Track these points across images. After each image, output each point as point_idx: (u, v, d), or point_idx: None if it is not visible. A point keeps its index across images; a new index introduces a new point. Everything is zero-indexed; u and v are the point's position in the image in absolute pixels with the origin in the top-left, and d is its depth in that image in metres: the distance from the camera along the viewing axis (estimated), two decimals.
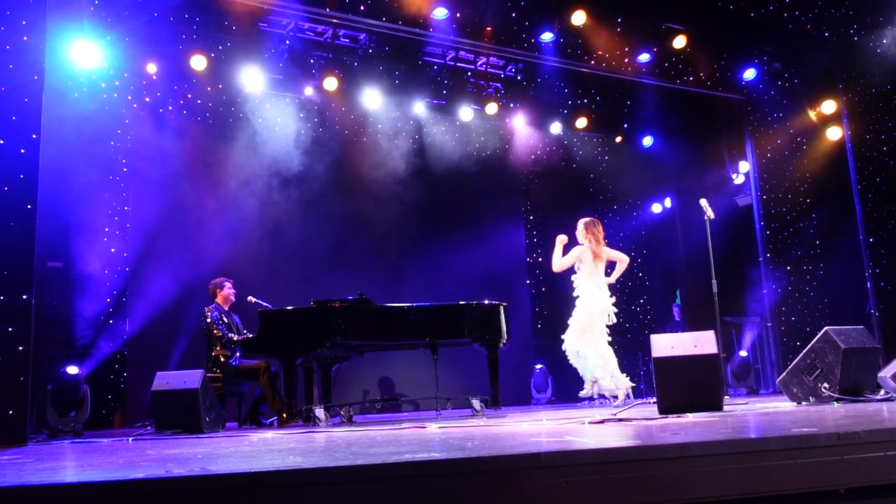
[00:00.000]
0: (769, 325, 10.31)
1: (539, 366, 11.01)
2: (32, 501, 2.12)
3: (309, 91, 9.74)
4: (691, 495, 2.41)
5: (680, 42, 9.41)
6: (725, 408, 5.05)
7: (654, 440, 2.70)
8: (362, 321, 6.60)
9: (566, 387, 11.18)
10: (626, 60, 9.47)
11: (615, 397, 6.92)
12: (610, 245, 11.90)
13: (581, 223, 7.29)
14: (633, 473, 2.37)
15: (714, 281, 6.70)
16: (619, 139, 11.87)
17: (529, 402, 10.85)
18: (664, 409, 4.83)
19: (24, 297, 5.22)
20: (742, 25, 9.28)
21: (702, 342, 4.93)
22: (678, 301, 11.77)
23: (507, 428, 4.30)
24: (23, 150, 5.35)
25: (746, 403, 6.41)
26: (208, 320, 7.02)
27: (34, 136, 5.42)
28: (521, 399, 10.76)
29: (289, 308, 6.64)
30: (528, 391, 10.96)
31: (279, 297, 7.64)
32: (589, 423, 4.05)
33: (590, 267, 7.15)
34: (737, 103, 10.64)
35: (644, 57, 9.53)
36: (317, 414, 6.24)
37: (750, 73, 10.11)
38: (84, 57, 8.11)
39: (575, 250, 7.22)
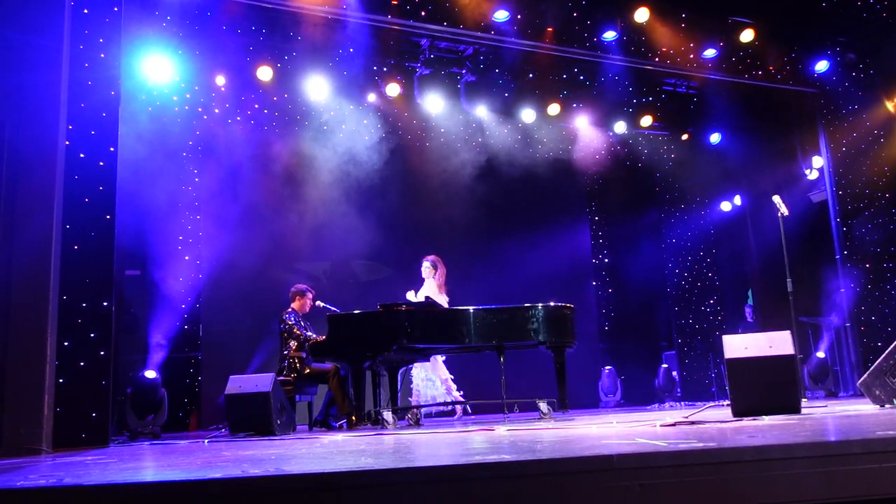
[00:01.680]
0: (847, 325, 9.93)
1: (608, 368, 10.87)
2: (118, 499, 2.20)
3: (372, 98, 9.86)
4: (770, 500, 2.34)
5: (747, 36, 9.18)
6: (803, 410, 4.89)
7: (730, 443, 2.64)
8: (428, 324, 6.64)
9: (635, 390, 11.02)
10: (692, 56, 9.29)
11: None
12: (678, 245, 11.80)
13: (428, 261, 8.00)
14: (709, 477, 2.31)
15: (789, 280, 6.50)
16: (685, 137, 11.63)
17: (597, 405, 10.72)
18: (738, 412, 4.71)
19: (105, 304, 5.43)
20: (813, 16, 8.98)
21: (777, 343, 4.79)
22: (750, 301, 11.45)
23: (576, 430, 4.26)
24: (101, 163, 5.56)
25: (825, 406, 6.19)
26: (289, 322, 7.16)
27: (112, 150, 5.64)
28: (588, 402, 10.64)
29: (356, 312, 6.73)
30: (595, 394, 10.83)
31: (346, 300, 7.76)
32: (660, 425, 3.98)
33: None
34: (809, 96, 10.30)
35: (710, 52, 9.33)
36: (385, 417, 6.30)
37: (822, 65, 9.78)
38: (157, 71, 8.41)
39: (429, 286, 7.83)
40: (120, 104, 5.76)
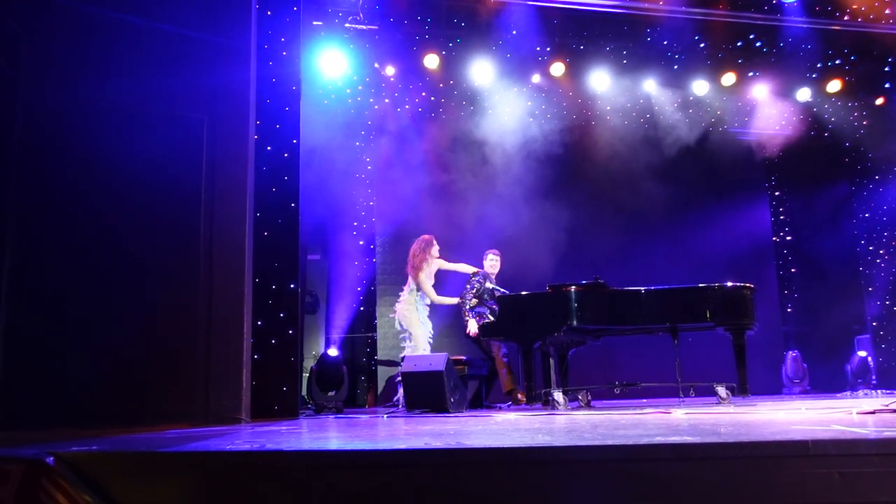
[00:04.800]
0: None
1: (793, 353, 10.21)
2: (314, 464, 2.37)
3: (536, 79, 9.81)
4: None
5: None
6: None
7: None
8: (598, 305, 6.53)
9: (822, 376, 10.28)
10: (888, 12, 8.44)
11: None
12: (872, 220, 10.79)
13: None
14: None
15: None
16: (880, 101, 10.60)
17: (780, 391, 10.11)
18: None
19: (292, 286, 5.82)
20: None
21: None
22: None
23: (761, 416, 4.05)
24: (286, 155, 5.96)
25: None
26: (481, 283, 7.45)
27: (294, 142, 6.01)
28: (770, 388, 10.05)
29: (524, 293, 6.76)
30: (777, 380, 10.21)
31: (515, 281, 7.81)
32: (857, 413, 3.69)
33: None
34: None
35: None
36: (555, 397, 6.30)
37: None
38: (331, 65, 8.87)
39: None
40: (300, 98, 6.12)
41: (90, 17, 4.78)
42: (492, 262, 7.79)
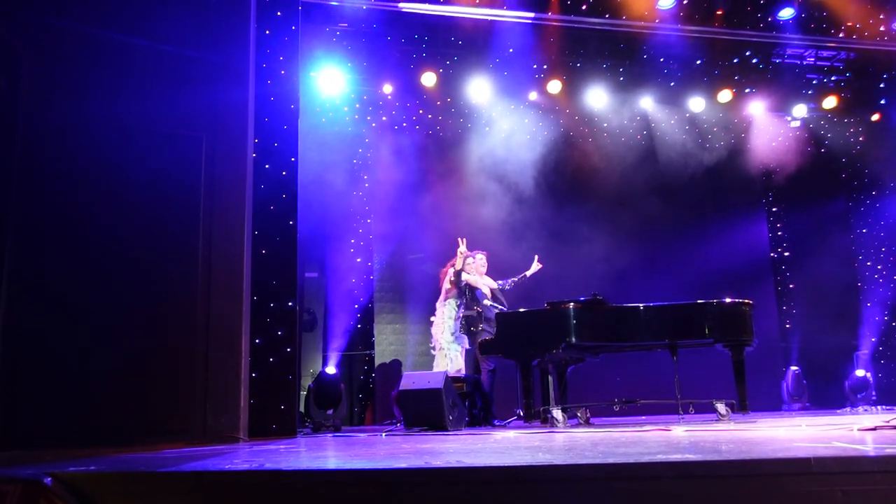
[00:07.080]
0: None
1: (794, 368, 10.20)
2: (313, 484, 2.35)
3: (533, 96, 9.87)
4: None
5: None
6: None
7: None
8: (597, 322, 6.51)
9: (822, 392, 10.25)
10: (882, 28, 8.51)
11: None
12: (870, 235, 10.82)
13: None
14: None
15: None
16: (876, 117, 10.66)
17: (780, 407, 10.07)
18: None
19: (290, 304, 5.79)
20: None
21: None
22: None
23: (761, 432, 4.04)
24: (284, 173, 5.95)
25: None
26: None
27: (293, 160, 6.01)
28: (769, 404, 10.02)
29: (522, 310, 6.74)
30: (777, 396, 10.18)
31: (514, 298, 7.81)
32: (858, 429, 3.68)
33: None
34: None
35: None
36: (554, 415, 6.27)
37: None
38: (329, 84, 8.91)
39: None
40: (299, 117, 6.14)
41: (90, 38, 4.80)
42: (481, 261, 7.76)
